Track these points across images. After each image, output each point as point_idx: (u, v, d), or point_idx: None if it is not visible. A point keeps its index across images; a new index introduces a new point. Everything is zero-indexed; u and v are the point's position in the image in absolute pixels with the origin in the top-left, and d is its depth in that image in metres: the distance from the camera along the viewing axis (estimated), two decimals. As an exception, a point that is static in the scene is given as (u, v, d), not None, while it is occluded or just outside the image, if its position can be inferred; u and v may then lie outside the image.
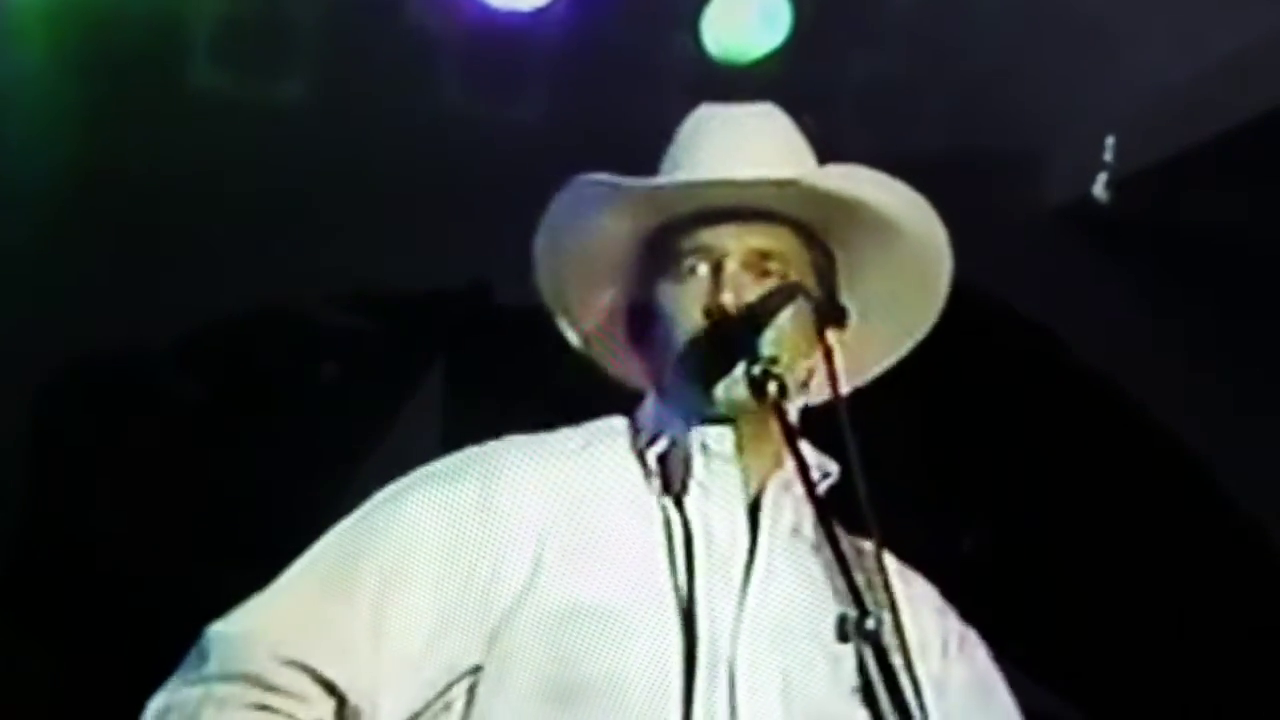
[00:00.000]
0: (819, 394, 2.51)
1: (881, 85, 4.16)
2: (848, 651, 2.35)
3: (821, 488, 2.44)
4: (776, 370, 2.37)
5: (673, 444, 2.46)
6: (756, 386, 2.37)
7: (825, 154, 2.63)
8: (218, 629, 2.38)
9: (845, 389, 2.44)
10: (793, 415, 2.47)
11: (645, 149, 2.68)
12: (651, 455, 2.47)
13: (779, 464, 2.47)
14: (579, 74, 4.02)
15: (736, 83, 3.98)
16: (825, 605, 2.42)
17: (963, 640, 2.58)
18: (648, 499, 2.46)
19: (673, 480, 2.45)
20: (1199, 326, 4.38)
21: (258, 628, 2.36)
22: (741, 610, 2.39)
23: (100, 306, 3.79)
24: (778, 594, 2.43)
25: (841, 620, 2.22)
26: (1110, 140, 4.26)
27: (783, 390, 2.36)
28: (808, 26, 4.02)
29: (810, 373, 2.50)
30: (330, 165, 3.88)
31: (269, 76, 3.97)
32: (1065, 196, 4.41)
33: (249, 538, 3.64)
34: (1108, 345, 4.27)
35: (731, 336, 2.41)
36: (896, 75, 4.16)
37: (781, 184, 2.49)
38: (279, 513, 3.68)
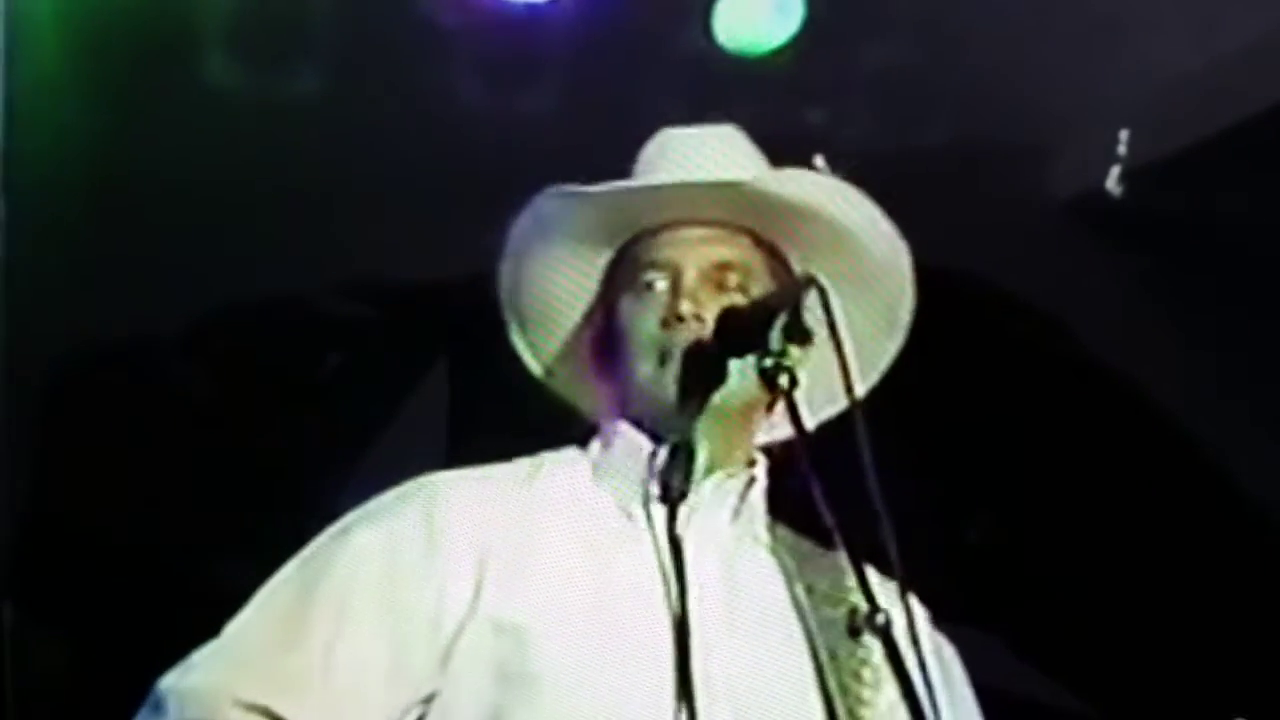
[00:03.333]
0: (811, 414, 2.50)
1: (893, 77, 4.15)
2: (805, 652, 2.36)
3: (757, 489, 2.46)
4: (787, 363, 2.36)
5: (610, 453, 2.48)
6: (768, 378, 2.36)
7: (836, 146, 2.63)
8: (171, 683, 2.38)
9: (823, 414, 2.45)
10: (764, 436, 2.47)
11: (656, 141, 2.67)
12: (583, 465, 2.47)
13: (724, 460, 2.47)
14: (590, 66, 4.01)
15: (748, 74, 3.98)
16: (780, 616, 2.43)
17: (938, 650, 2.56)
18: (602, 525, 2.45)
19: (604, 487, 2.46)
20: (1211, 321, 4.37)
21: (213, 677, 2.37)
22: (685, 638, 2.35)
23: (107, 300, 3.79)
24: (716, 614, 2.40)
25: (852, 614, 2.22)
26: (1124, 134, 4.24)
27: (793, 382, 2.36)
28: (820, 18, 4.01)
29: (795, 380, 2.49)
30: (340, 158, 3.88)
31: (280, 70, 3.97)
32: (1077, 188, 4.40)
33: (253, 529, 3.65)
34: (1117, 339, 4.26)
35: (741, 331, 2.40)
36: (908, 67, 4.15)
37: (724, 185, 2.49)
38: (283, 504, 3.68)
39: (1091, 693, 4.12)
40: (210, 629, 2.46)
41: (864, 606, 2.20)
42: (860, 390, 2.56)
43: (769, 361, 2.36)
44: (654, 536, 2.41)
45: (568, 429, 2.67)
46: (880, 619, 2.19)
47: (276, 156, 3.85)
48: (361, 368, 4.08)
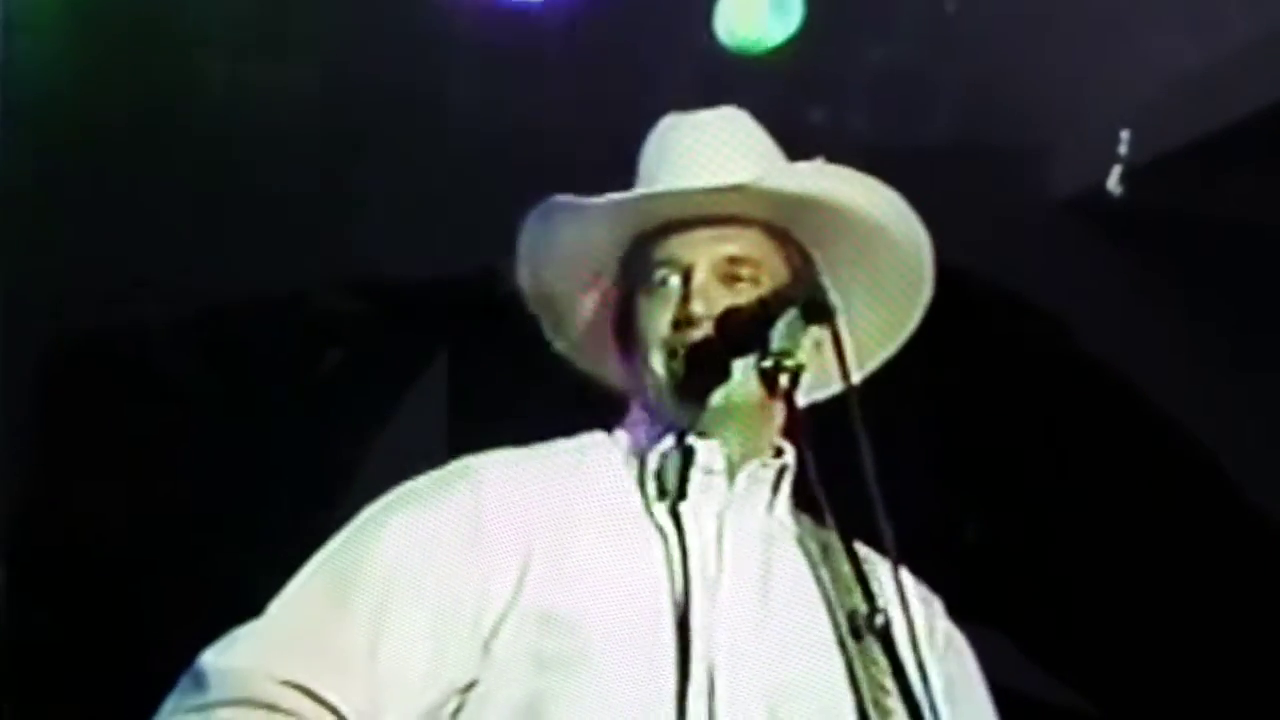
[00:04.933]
0: (818, 391, 2.52)
1: (894, 75, 4.15)
2: (835, 648, 2.38)
3: (787, 479, 2.48)
4: (787, 363, 2.37)
5: (666, 455, 2.48)
6: (768, 379, 2.37)
7: (836, 144, 2.62)
8: (212, 659, 2.36)
9: (835, 388, 2.46)
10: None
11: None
12: (652, 460, 2.48)
13: (751, 453, 2.48)
14: (590, 64, 4.01)
15: (749, 72, 3.97)
16: (810, 605, 2.45)
17: (949, 640, 2.58)
18: (638, 513, 2.46)
19: (669, 490, 2.46)
20: (1210, 320, 4.37)
21: (255, 654, 2.35)
22: (720, 626, 2.38)
23: (106, 296, 3.79)
24: (753, 603, 2.42)
25: (851, 615, 2.23)
26: (1125, 133, 4.24)
27: (794, 381, 2.36)
28: (820, 16, 4.01)
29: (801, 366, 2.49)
30: (340, 155, 3.88)
31: (282, 66, 3.97)
32: (1077, 187, 4.40)
33: (254, 523, 3.65)
34: (1116, 337, 4.26)
35: (741, 330, 2.41)
36: (909, 65, 4.15)
37: (728, 189, 2.49)
38: (284, 498, 3.68)
39: (1093, 691, 4.12)
40: (210, 626, 2.45)
41: (863, 607, 2.21)
42: (875, 364, 2.61)
43: (768, 361, 2.37)
44: (681, 527, 2.42)
45: (570, 422, 2.67)
46: (879, 620, 2.19)
47: (276, 150, 3.85)
48: (361, 359, 4.08)
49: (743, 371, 2.42)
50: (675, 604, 2.36)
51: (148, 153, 3.81)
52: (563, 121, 3.94)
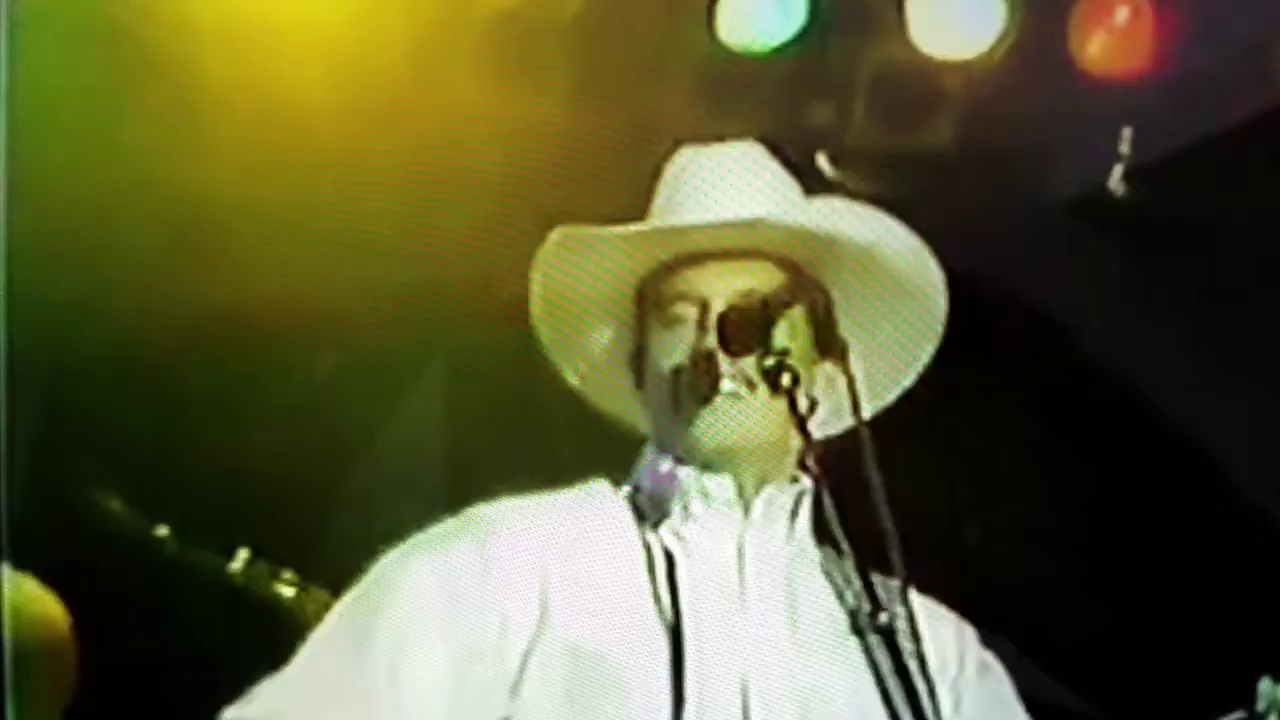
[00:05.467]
0: (832, 423, 2.53)
1: (894, 76, 4.15)
2: (864, 664, 2.39)
3: (805, 505, 2.48)
4: (790, 361, 2.38)
5: (651, 482, 2.51)
6: (770, 378, 2.38)
7: (837, 145, 2.63)
8: (236, 714, 2.39)
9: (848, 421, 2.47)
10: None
11: (659, 142, 2.68)
12: (622, 494, 2.52)
13: (766, 482, 2.49)
14: (592, 65, 4.01)
15: (750, 72, 3.97)
16: (838, 623, 2.46)
17: (983, 667, 2.60)
18: (645, 542, 2.49)
19: (649, 515, 2.47)
20: (1211, 320, 4.37)
21: (280, 704, 2.38)
22: (748, 642, 2.41)
23: (108, 299, 3.79)
24: (782, 623, 2.44)
25: (854, 615, 2.23)
26: (1125, 133, 4.25)
27: (796, 381, 2.37)
28: (823, 17, 4.01)
29: (815, 402, 2.51)
30: (338, 158, 3.88)
31: (284, 70, 3.97)
32: (1077, 187, 4.40)
33: (252, 530, 3.65)
34: (1116, 338, 4.26)
35: (742, 332, 2.42)
36: (910, 65, 4.15)
37: (743, 224, 2.50)
38: (281, 506, 3.68)
39: (1093, 691, 4.13)
40: (209, 624, 2.46)
41: (866, 607, 2.21)
42: (889, 399, 2.64)
43: (770, 360, 2.38)
44: (698, 557, 2.44)
45: (568, 427, 2.67)
46: (883, 618, 2.20)
47: (276, 151, 3.85)
48: (360, 365, 4.08)
49: (753, 406, 2.43)
50: (679, 629, 2.37)
51: (148, 157, 3.81)
52: (565, 120, 3.94)
